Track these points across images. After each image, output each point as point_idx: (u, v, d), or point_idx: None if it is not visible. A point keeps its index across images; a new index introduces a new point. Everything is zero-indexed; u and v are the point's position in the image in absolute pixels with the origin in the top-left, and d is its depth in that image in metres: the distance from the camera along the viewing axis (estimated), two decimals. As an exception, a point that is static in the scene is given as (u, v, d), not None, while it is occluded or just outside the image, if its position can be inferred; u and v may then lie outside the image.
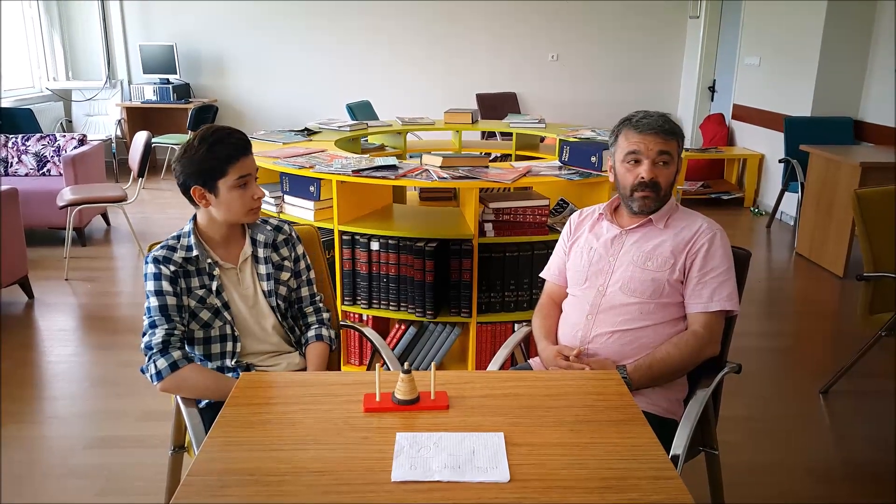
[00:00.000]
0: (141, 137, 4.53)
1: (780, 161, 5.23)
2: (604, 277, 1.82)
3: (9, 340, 3.30)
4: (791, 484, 2.29)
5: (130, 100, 7.09)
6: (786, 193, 5.24)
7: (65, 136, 5.08)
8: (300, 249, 1.91)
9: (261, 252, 1.80)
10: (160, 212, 5.73)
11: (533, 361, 1.94)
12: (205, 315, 1.72)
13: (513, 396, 1.42)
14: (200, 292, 1.71)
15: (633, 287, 1.76)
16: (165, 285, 1.66)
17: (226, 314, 1.74)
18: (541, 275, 2.05)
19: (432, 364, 1.41)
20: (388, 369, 1.90)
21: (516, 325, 2.69)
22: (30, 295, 3.80)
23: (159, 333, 1.62)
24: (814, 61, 5.12)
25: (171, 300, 1.66)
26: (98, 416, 2.68)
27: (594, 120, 6.79)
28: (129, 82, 7.29)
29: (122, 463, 2.35)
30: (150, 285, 1.67)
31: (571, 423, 1.32)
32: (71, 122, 7.09)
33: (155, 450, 2.39)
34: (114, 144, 6.89)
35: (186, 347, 1.69)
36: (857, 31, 4.94)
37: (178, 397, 1.69)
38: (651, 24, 7.25)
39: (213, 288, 1.72)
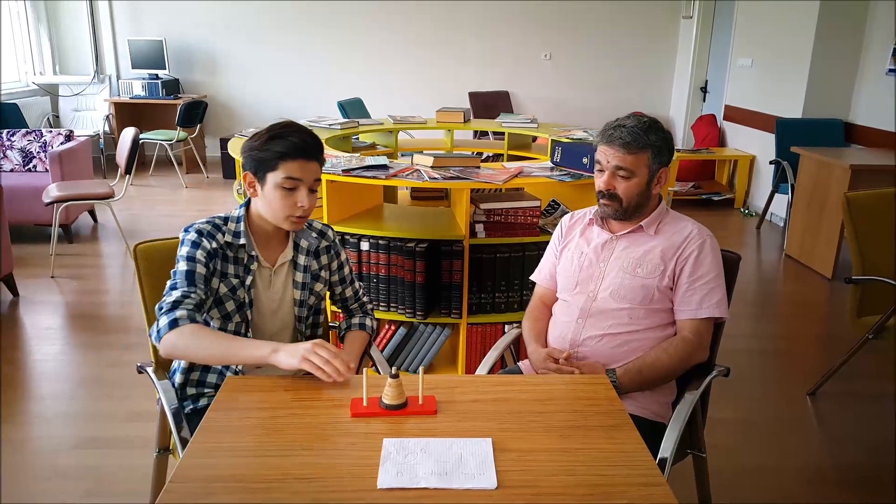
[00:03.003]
0: (128, 133, 4.49)
1: (770, 162, 5.25)
2: (594, 283, 1.82)
3: (-7, 339, 3.26)
4: (779, 485, 2.30)
5: (119, 95, 7.03)
6: (776, 195, 5.26)
7: (51, 131, 5.03)
8: (343, 255, 1.86)
9: (302, 259, 1.74)
10: (148, 209, 5.68)
11: (523, 364, 1.94)
12: (230, 306, 1.65)
13: (501, 401, 1.41)
14: (234, 281, 1.64)
15: (623, 293, 1.77)
16: (200, 255, 1.59)
17: (248, 312, 1.67)
18: (531, 277, 2.04)
19: (420, 368, 1.40)
20: (378, 371, 1.88)
21: (507, 327, 2.67)
22: (15, 293, 3.76)
23: (174, 294, 1.54)
24: (805, 63, 5.13)
25: (200, 269, 1.58)
26: (84, 416, 2.65)
27: (586, 120, 6.79)
28: (118, 77, 7.23)
29: (109, 464, 2.33)
30: (185, 251, 1.59)
31: (560, 428, 1.31)
32: (58, 117, 7.01)
33: (142, 450, 2.37)
34: (101, 140, 6.82)
35: (197, 314, 1.56)
36: (849, 33, 4.96)
37: (162, 398, 1.67)
38: (644, 24, 7.26)
39: (247, 282, 1.66)
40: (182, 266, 1.59)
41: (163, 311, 1.53)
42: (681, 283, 1.75)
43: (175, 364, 1.74)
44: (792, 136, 4.99)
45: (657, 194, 1.82)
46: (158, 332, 1.52)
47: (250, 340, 1.48)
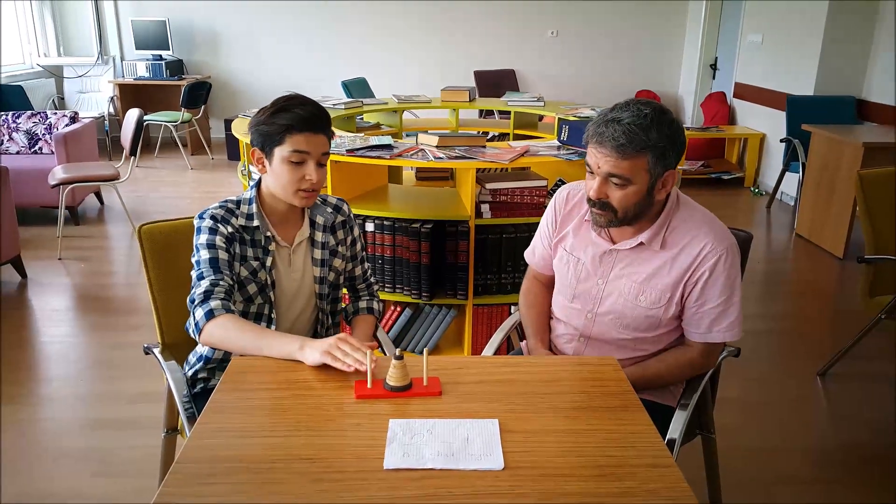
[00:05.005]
0: (133, 114, 4.47)
1: (781, 141, 5.18)
2: (593, 303, 1.65)
3: (2, 321, 3.27)
4: (787, 466, 2.29)
5: (123, 76, 6.99)
6: (787, 173, 5.20)
7: (56, 113, 5.01)
8: (357, 232, 1.83)
9: (319, 236, 1.72)
10: (154, 191, 5.67)
11: (524, 345, 1.91)
12: (252, 289, 1.62)
13: (508, 382, 1.39)
14: (255, 264, 1.62)
15: (627, 322, 1.62)
16: (219, 241, 1.57)
17: (270, 293, 1.65)
18: (525, 256, 1.90)
19: (425, 350, 1.38)
20: (384, 352, 1.87)
21: (513, 308, 2.66)
22: (23, 275, 3.77)
23: (203, 285, 1.52)
24: (818, 39, 5.04)
25: (223, 255, 1.57)
26: (92, 397, 2.67)
27: (594, 98, 6.72)
28: (122, 58, 7.18)
29: (117, 445, 2.34)
30: (203, 238, 1.57)
31: (567, 409, 1.29)
32: (63, 99, 6.99)
33: (149, 431, 2.38)
34: (106, 122, 6.80)
35: (230, 302, 1.55)
36: (862, 9, 4.86)
37: (169, 379, 1.67)
38: None
39: (267, 263, 1.64)
40: (204, 254, 1.56)
41: (196, 303, 1.52)
42: (688, 306, 1.57)
43: (203, 351, 1.71)
44: (803, 113, 4.92)
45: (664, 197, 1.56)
46: (196, 324, 1.51)
47: (281, 335, 1.47)
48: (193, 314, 1.52)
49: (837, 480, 2.22)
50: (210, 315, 1.49)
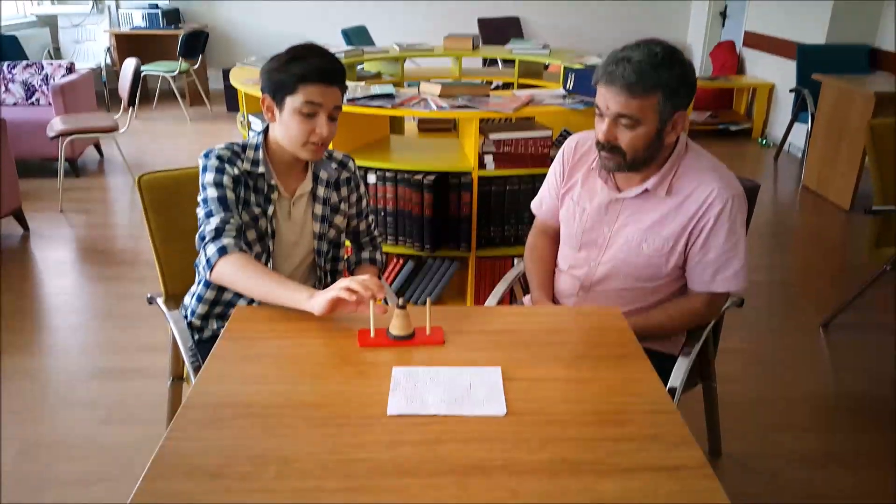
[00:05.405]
0: (130, 64, 4.39)
1: (790, 91, 5.08)
2: (597, 251, 1.65)
3: (6, 272, 3.29)
4: (788, 415, 2.32)
5: (119, 26, 6.83)
6: (795, 124, 5.12)
7: (52, 63, 4.92)
8: (363, 188, 1.80)
9: (321, 191, 1.69)
10: (153, 142, 5.62)
11: (527, 300, 1.91)
12: (251, 235, 1.60)
13: (510, 332, 1.39)
14: (256, 210, 1.60)
15: (628, 272, 1.61)
16: (226, 180, 1.55)
17: (269, 242, 1.63)
18: (532, 207, 1.88)
19: (428, 299, 1.38)
20: (386, 303, 1.87)
21: (516, 260, 2.66)
22: (25, 227, 3.76)
23: (213, 222, 1.50)
24: (831, -16, 4.89)
25: (230, 194, 1.54)
26: (98, 347, 2.70)
27: (601, 46, 6.56)
28: (117, 7, 7.01)
29: (124, 393, 2.38)
30: (210, 177, 1.54)
31: (570, 358, 1.30)
32: (58, 49, 6.86)
33: (155, 380, 2.41)
34: (103, 73, 6.69)
35: (241, 241, 1.53)
36: (879, -48, 4.70)
37: (173, 328, 1.68)
38: (662, -56, 6.91)
39: (269, 212, 1.61)
40: (212, 192, 1.54)
41: (206, 240, 1.50)
42: (692, 255, 1.56)
43: (198, 290, 1.69)
44: (814, 62, 4.80)
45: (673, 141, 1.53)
46: (208, 260, 1.49)
47: (290, 283, 1.44)
48: (204, 251, 1.50)
49: (838, 429, 2.25)
50: (223, 251, 1.48)
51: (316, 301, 1.36)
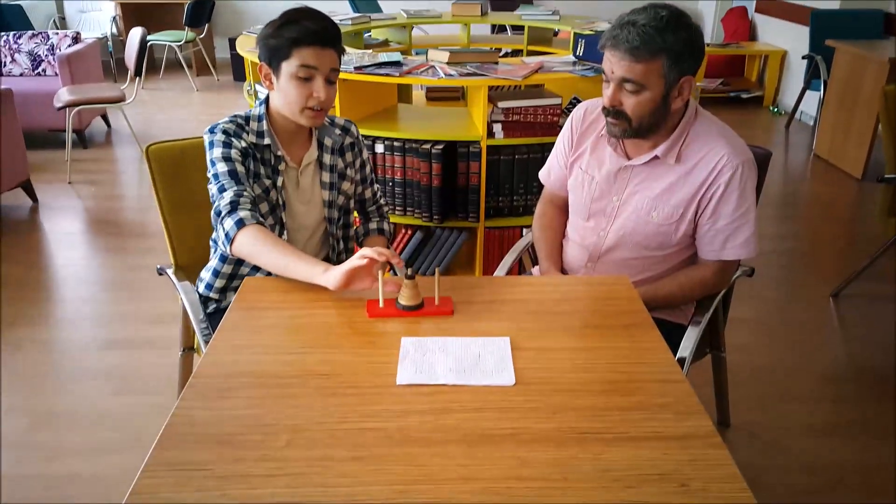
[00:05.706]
0: (136, 34, 4.34)
1: (803, 57, 4.98)
2: (605, 220, 1.64)
3: (15, 244, 3.31)
4: (797, 385, 2.32)
5: (123, -6, 6.76)
6: (807, 92, 5.03)
7: (58, 33, 4.88)
8: (366, 154, 1.79)
9: (327, 158, 1.68)
10: (160, 112, 5.59)
11: (536, 270, 1.90)
12: (263, 208, 1.59)
13: (519, 302, 1.39)
14: (267, 182, 1.59)
15: (637, 240, 1.60)
16: (234, 154, 1.54)
17: (282, 214, 1.63)
18: (540, 176, 1.86)
19: (437, 269, 1.38)
20: (395, 274, 1.87)
21: (524, 230, 2.65)
22: (34, 199, 3.77)
23: (227, 196, 1.49)
24: (849, -54, 4.76)
25: (240, 168, 1.53)
26: (109, 318, 2.72)
27: (611, 11, 6.43)
28: (122, -25, 6.92)
29: (135, 364, 2.40)
30: (218, 152, 1.53)
31: (579, 327, 1.30)
32: (64, 18, 6.80)
33: (166, 351, 2.43)
34: (110, 42, 6.64)
35: (257, 213, 1.52)
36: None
37: (184, 299, 1.69)
38: None
39: (278, 183, 1.60)
40: (222, 167, 1.52)
41: (223, 214, 1.49)
42: (702, 224, 1.55)
43: (214, 264, 1.69)
44: (828, 28, 4.70)
45: (681, 107, 1.50)
46: (227, 234, 1.47)
47: (306, 257, 1.43)
48: (222, 225, 1.49)
49: (847, 399, 2.25)
50: (241, 224, 1.46)
51: (331, 275, 1.35)
